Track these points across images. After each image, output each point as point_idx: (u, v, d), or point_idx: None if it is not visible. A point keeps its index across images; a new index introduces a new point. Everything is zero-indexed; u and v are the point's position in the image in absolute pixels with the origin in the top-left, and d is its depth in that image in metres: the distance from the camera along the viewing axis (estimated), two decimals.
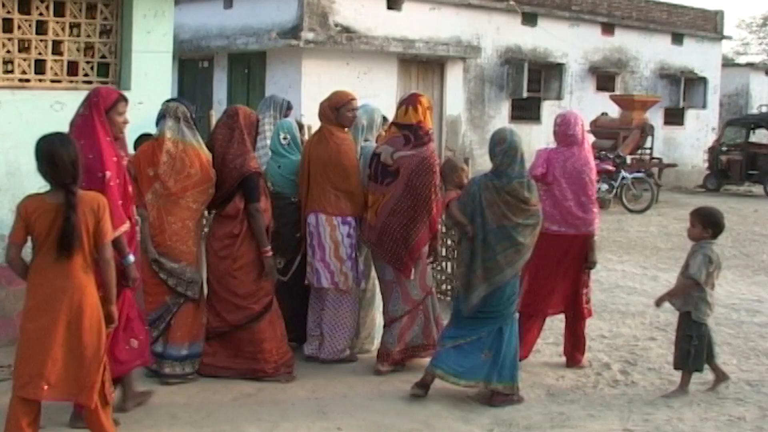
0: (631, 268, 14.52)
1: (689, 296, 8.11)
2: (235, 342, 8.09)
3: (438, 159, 8.43)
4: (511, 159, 7.64)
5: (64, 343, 5.89)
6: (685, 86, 30.95)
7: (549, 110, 26.25)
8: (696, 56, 32.05)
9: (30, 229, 5.89)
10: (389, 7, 23.26)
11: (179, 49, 22.77)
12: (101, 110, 6.70)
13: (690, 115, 31.62)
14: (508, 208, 7.57)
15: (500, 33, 25.83)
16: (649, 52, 30.46)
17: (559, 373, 8.72)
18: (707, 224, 8.11)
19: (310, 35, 21.21)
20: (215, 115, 16.08)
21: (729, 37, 36.74)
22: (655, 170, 26.48)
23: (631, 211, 22.54)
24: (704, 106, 31.35)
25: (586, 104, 26.68)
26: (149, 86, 9.35)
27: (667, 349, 9.70)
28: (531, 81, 26.10)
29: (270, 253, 8.00)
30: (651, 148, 26.57)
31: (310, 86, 21.31)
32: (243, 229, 7.95)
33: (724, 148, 29.60)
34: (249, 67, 23.26)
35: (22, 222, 5.88)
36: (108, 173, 6.52)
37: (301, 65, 21.67)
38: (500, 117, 25.65)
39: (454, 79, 24.79)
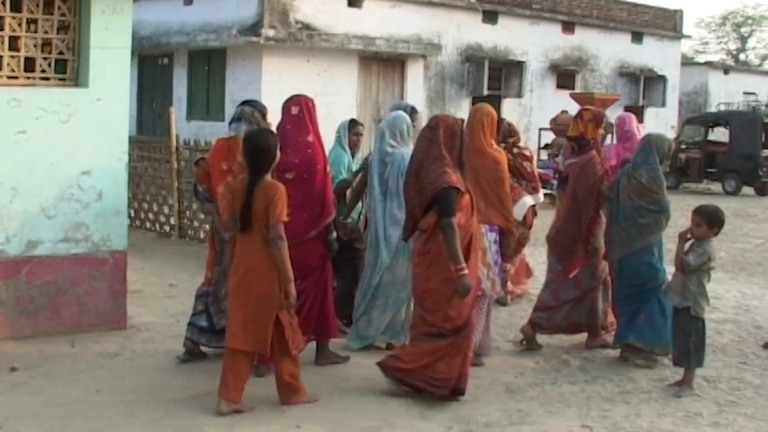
0: None
1: (688, 291, 8.16)
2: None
3: (600, 164, 9.41)
4: (646, 153, 8.96)
5: (244, 303, 7.20)
6: (645, 85, 31.16)
7: (509, 108, 26.37)
8: (655, 55, 32.25)
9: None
10: (350, 5, 23.28)
11: (139, 45, 22.70)
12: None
13: (649, 113, 31.81)
14: (634, 191, 8.89)
15: (461, 31, 25.88)
16: (609, 50, 30.63)
17: (518, 370, 8.74)
18: (714, 223, 8.19)
19: (270, 32, 21.18)
20: (175, 113, 16.08)
21: (688, 37, 37.07)
22: None
23: None
24: (663, 105, 31.58)
25: (546, 102, 26.81)
26: (107, 83, 9.27)
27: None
28: (491, 79, 26.21)
29: (465, 272, 7.37)
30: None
31: (270, 83, 21.30)
32: (434, 246, 7.57)
33: (683, 146, 29.80)
34: (209, 64, 23.19)
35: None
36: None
37: (261, 62, 21.66)
38: (460, 115, 25.51)
39: (415, 76, 24.83)
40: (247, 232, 7.17)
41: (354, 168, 9.82)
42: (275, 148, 7.25)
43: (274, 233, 7.04)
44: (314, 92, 21.16)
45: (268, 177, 7.22)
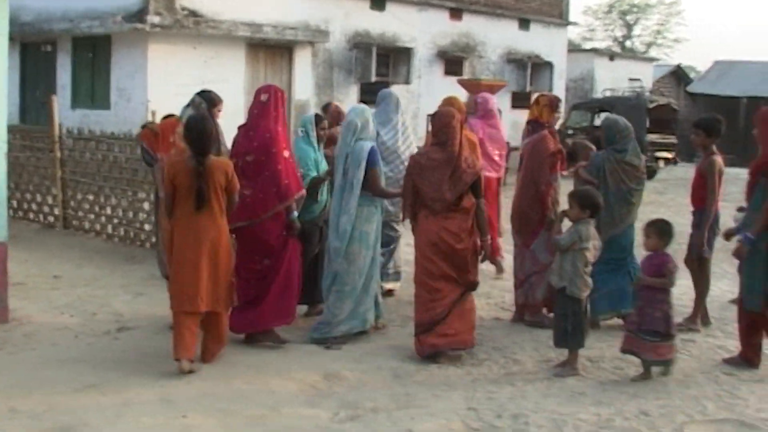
0: None
1: (564, 271, 8.33)
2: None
3: (553, 143, 10.08)
4: (627, 138, 9.90)
5: (213, 272, 8.05)
6: (532, 71, 31.46)
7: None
8: (542, 42, 32.59)
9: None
10: None
11: (20, 32, 22.24)
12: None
13: None
14: (626, 175, 9.80)
15: (349, 17, 25.83)
16: (496, 37, 30.84)
17: (405, 354, 8.77)
18: (585, 205, 8.43)
19: (156, 19, 20.87)
20: (58, 101, 15.79)
21: (575, 23, 37.52)
22: None
23: None
24: (550, 90, 31.79)
25: (434, 88, 26.85)
26: None
27: (510, 328, 9.91)
28: (379, 65, 26.20)
29: (489, 241, 9.03)
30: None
31: (156, 71, 21.03)
32: (472, 222, 8.69)
33: (570, 132, 30.15)
34: (94, 51, 22.75)
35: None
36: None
37: (147, 50, 21.31)
38: (349, 101, 25.55)
39: (303, 63, 24.72)
40: (204, 207, 7.95)
41: (322, 162, 9.89)
42: (214, 131, 8.28)
43: (233, 200, 8.16)
44: (201, 80, 21.10)
45: (212, 156, 8.04)
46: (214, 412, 7.09)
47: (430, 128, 9.32)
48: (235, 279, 8.49)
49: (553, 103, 10.39)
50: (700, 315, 10.19)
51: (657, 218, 8.81)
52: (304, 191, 9.09)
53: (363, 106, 9.70)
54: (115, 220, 14.44)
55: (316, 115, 10.29)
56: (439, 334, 8.55)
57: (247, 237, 8.78)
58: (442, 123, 8.79)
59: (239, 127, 9.05)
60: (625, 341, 8.31)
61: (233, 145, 8.99)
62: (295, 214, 8.94)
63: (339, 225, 9.08)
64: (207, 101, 9.39)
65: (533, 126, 10.32)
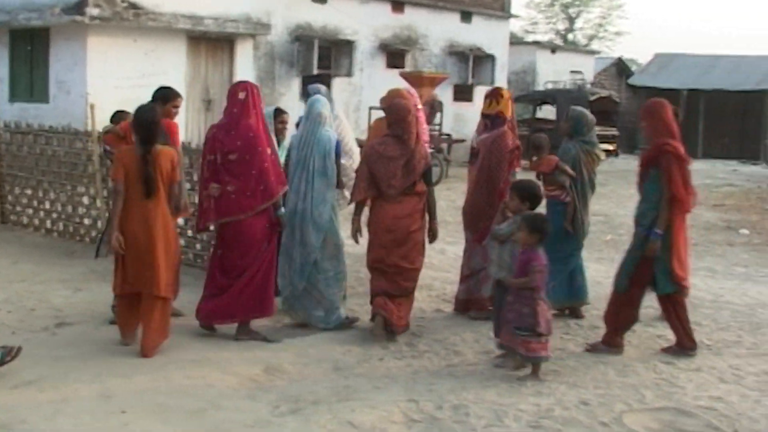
0: None
1: (503, 261, 8.36)
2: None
3: (512, 138, 10.12)
4: (593, 130, 10.23)
5: (166, 258, 8.39)
6: (474, 63, 31.56)
7: (339, 87, 26.38)
8: (484, 34, 32.66)
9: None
10: None
11: None
12: None
13: (479, 91, 32.09)
14: (592, 164, 10.14)
15: (290, 10, 25.71)
16: (438, 29, 30.87)
17: (346, 347, 8.78)
18: (525, 197, 8.44)
19: (95, 11, 20.63)
20: None
21: (517, 16, 37.72)
22: (444, 146, 26.88)
23: None
24: (492, 83, 31.94)
25: (377, 81, 26.83)
26: None
27: (451, 320, 9.93)
28: (321, 58, 26.12)
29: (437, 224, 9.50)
30: (440, 124, 26.94)
31: (96, 64, 20.82)
32: (423, 205, 9.30)
33: None
34: (32, 44, 22.46)
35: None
36: None
37: (86, 42, 21.07)
38: (291, 94, 25.60)
39: (244, 56, 24.57)
40: (152, 196, 8.26)
41: (283, 155, 9.96)
42: (161, 122, 8.53)
43: (175, 188, 8.46)
44: (141, 72, 20.98)
45: (158, 145, 8.36)
46: (153, 407, 7.02)
47: (372, 122, 9.44)
48: (211, 270, 9.01)
49: (510, 98, 10.40)
50: None
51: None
52: (287, 187, 9.19)
53: (320, 97, 9.78)
54: (54, 215, 14.28)
55: (276, 109, 10.46)
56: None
57: (233, 232, 8.86)
58: (398, 117, 9.21)
59: (214, 126, 9.12)
60: (503, 336, 8.26)
61: (207, 142, 8.99)
62: (282, 210, 9.16)
63: (315, 215, 9.30)
64: (162, 98, 9.41)
65: (493, 121, 10.17)
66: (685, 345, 8.87)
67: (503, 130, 10.08)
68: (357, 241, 9.42)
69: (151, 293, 8.32)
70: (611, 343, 8.89)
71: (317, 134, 9.35)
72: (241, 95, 8.90)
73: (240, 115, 8.84)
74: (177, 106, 9.59)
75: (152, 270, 8.30)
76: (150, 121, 8.36)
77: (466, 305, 10.11)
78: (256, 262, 8.88)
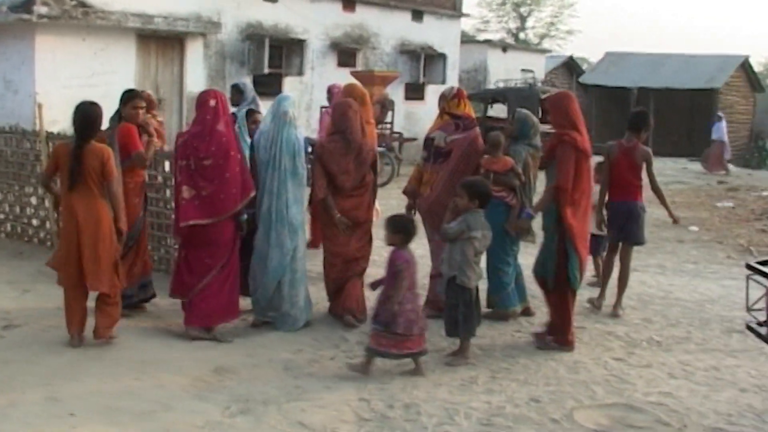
0: None
1: (453, 260, 8.38)
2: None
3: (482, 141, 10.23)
4: (538, 132, 10.32)
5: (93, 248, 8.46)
6: (425, 62, 31.58)
7: (290, 86, 26.31)
8: (436, 33, 32.69)
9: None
10: None
11: None
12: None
13: (430, 90, 32.17)
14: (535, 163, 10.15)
15: (241, 9, 25.60)
16: (389, 28, 30.86)
17: (296, 347, 8.77)
18: (474, 195, 8.47)
19: (43, 9, 20.41)
20: None
21: (467, 15, 37.70)
22: (395, 144, 26.88)
23: None
24: (444, 82, 32.00)
25: (328, 80, 26.52)
26: None
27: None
28: (272, 57, 26.01)
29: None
30: (392, 123, 26.92)
31: (44, 63, 20.60)
32: (371, 195, 10.03)
33: None
34: None
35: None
36: None
37: (34, 41, 20.82)
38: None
39: (195, 55, 24.42)
40: (78, 187, 8.38)
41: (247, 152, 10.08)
42: (99, 119, 8.68)
43: (111, 187, 8.52)
44: (91, 71, 20.81)
45: (93, 142, 8.50)
46: (102, 409, 6.97)
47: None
48: (186, 270, 9.04)
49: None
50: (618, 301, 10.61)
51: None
52: (254, 191, 9.30)
53: (286, 95, 10.06)
54: (2, 216, 14.13)
55: (249, 110, 10.81)
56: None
57: (203, 233, 8.94)
58: (339, 113, 9.80)
59: (185, 133, 9.32)
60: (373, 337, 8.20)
61: (178, 149, 9.10)
62: (245, 216, 9.23)
63: (290, 216, 9.43)
64: (121, 100, 9.74)
65: (465, 123, 10.19)
66: (566, 342, 9.01)
67: (477, 132, 10.22)
68: (344, 229, 9.76)
69: (75, 285, 8.56)
70: (563, 342, 8.92)
71: (285, 134, 9.45)
72: (212, 102, 9.10)
73: (213, 121, 9.01)
74: (137, 107, 9.75)
75: (74, 262, 8.49)
76: (85, 117, 8.55)
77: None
78: (225, 265, 9.03)
